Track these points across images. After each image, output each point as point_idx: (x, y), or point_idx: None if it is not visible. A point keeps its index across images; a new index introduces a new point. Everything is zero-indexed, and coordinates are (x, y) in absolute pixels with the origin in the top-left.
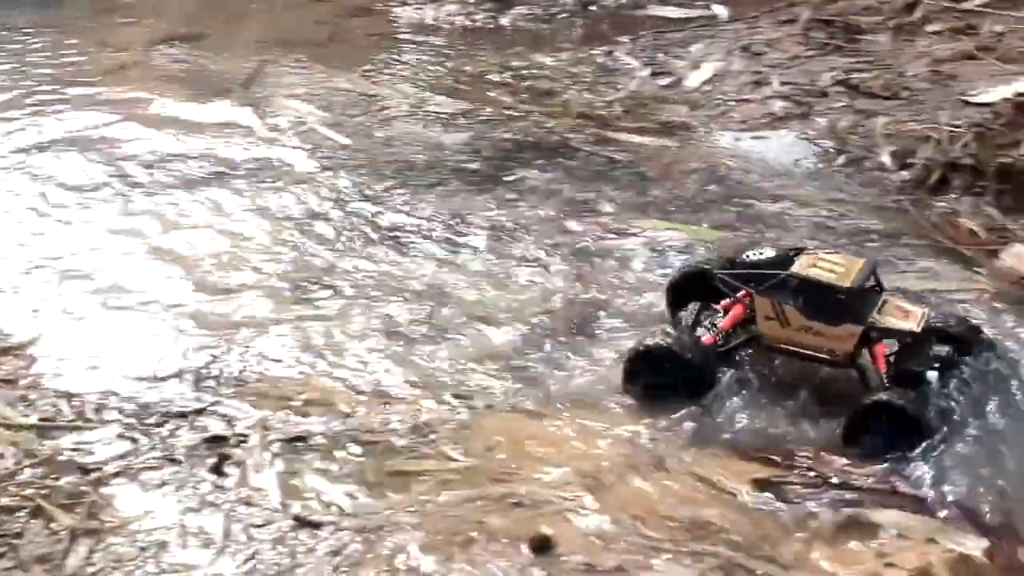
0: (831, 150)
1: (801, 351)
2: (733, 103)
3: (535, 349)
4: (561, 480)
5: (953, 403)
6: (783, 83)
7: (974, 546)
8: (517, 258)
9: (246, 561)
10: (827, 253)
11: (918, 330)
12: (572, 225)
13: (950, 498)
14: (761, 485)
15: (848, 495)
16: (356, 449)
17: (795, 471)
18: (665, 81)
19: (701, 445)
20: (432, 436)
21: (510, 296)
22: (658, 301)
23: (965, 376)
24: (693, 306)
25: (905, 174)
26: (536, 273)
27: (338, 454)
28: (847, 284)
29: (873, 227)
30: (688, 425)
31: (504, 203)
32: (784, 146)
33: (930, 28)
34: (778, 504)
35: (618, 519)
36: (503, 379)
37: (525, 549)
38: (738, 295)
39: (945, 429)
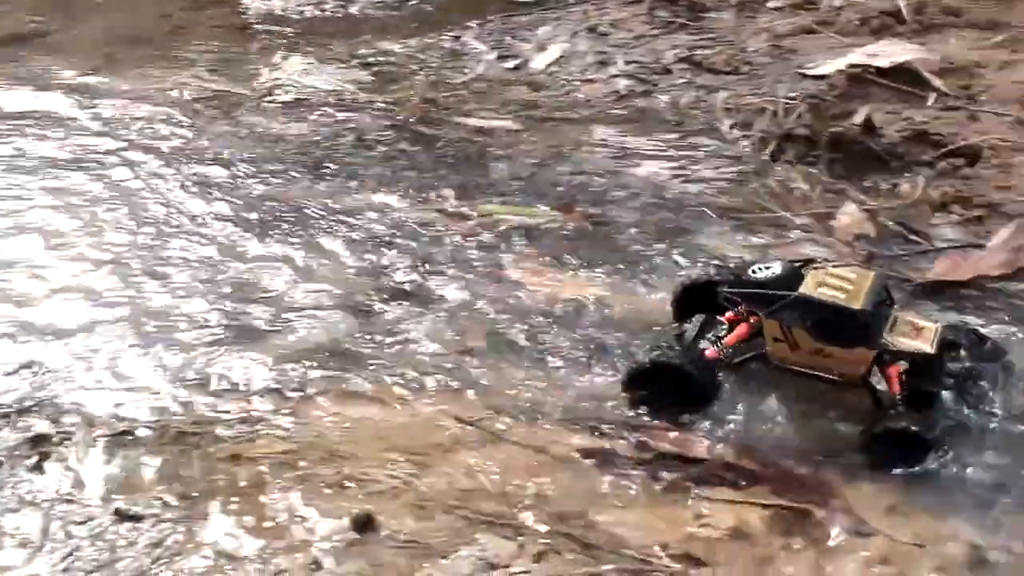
0: (675, 126)
1: (813, 373)
2: (578, 83)
3: (362, 333)
4: (388, 459)
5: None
6: (628, 62)
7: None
8: (340, 244)
9: (63, 559)
10: (836, 267)
11: (932, 351)
12: (408, 210)
13: (760, 463)
14: (588, 454)
15: (671, 463)
16: (182, 440)
17: (622, 441)
18: (511, 64)
19: (533, 417)
20: (259, 425)
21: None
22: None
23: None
24: (697, 318)
25: (744, 146)
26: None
27: (163, 446)
28: (858, 304)
29: (715, 200)
30: (525, 395)
31: (341, 191)
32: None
33: (771, 4)
34: (604, 473)
35: (445, 494)
36: (327, 366)
37: (348, 527)
38: (742, 310)
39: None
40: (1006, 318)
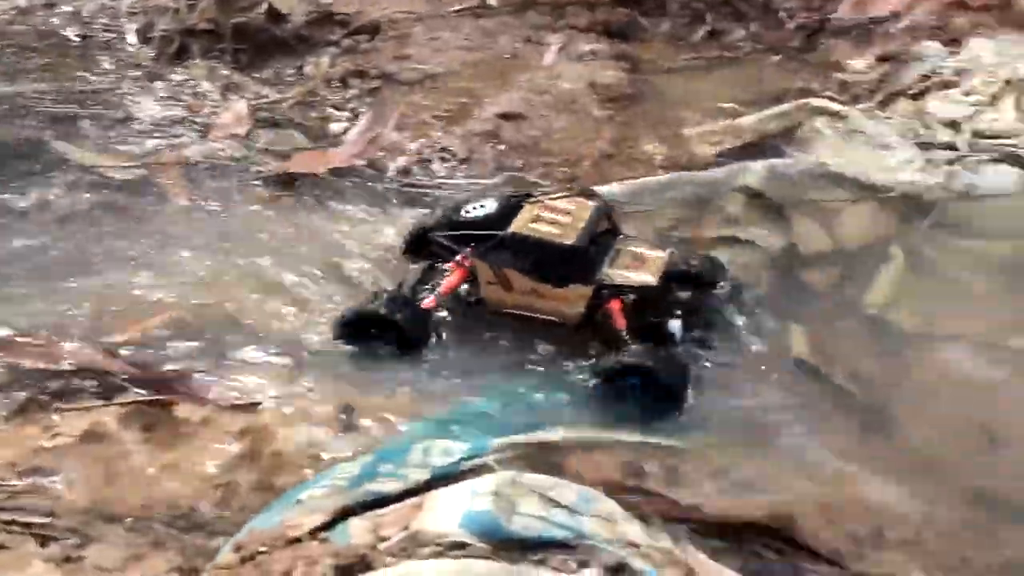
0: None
1: (530, 314)
2: None
3: None
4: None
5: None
6: None
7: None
8: None
9: None
10: (553, 199)
11: (655, 281)
12: None
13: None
14: None
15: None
16: None
17: None
18: None
19: None
20: None
21: None
22: None
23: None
24: (416, 267)
25: (148, 49)
26: None
27: None
28: (572, 239)
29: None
30: None
31: None
32: None
33: None
34: None
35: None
36: None
37: None
38: (459, 258)
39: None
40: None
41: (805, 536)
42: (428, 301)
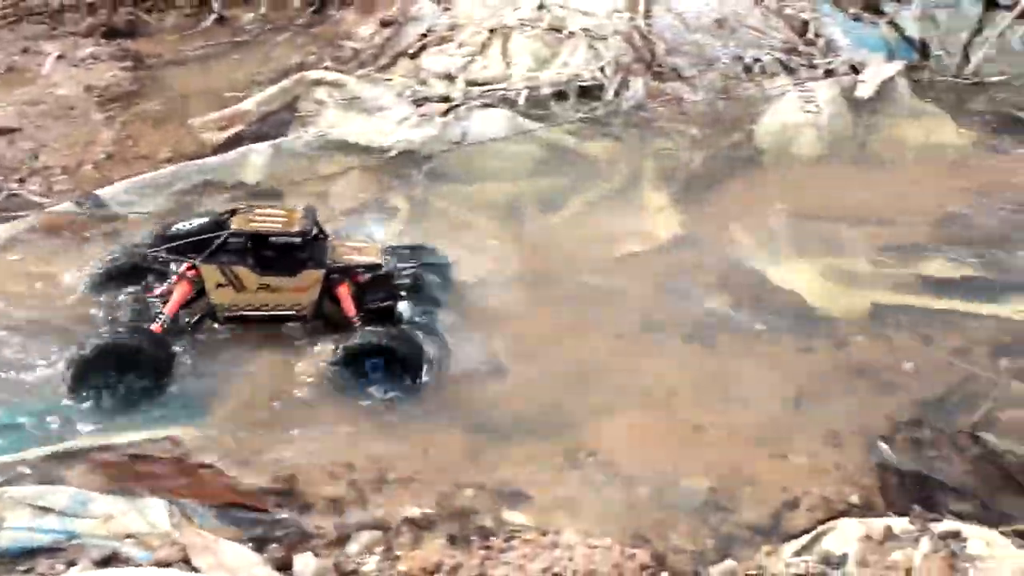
0: None
1: (264, 314)
2: None
3: None
4: None
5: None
6: None
7: None
8: None
9: None
10: (262, 208)
11: (381, 261)
12: None
13: None
14: None
15: None
16: None
17: None
18: None
19: None
20: None
21: None
22: None
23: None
24: (126, 296)
25: None
26: None
27: None
28: (296, 229)
29: None
30: None
31: None
32: None
33: None
34: None
35: None
36: None
37: None
38: (181, 271)
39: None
40: None
41: (306, 493)
42: (156, 325)
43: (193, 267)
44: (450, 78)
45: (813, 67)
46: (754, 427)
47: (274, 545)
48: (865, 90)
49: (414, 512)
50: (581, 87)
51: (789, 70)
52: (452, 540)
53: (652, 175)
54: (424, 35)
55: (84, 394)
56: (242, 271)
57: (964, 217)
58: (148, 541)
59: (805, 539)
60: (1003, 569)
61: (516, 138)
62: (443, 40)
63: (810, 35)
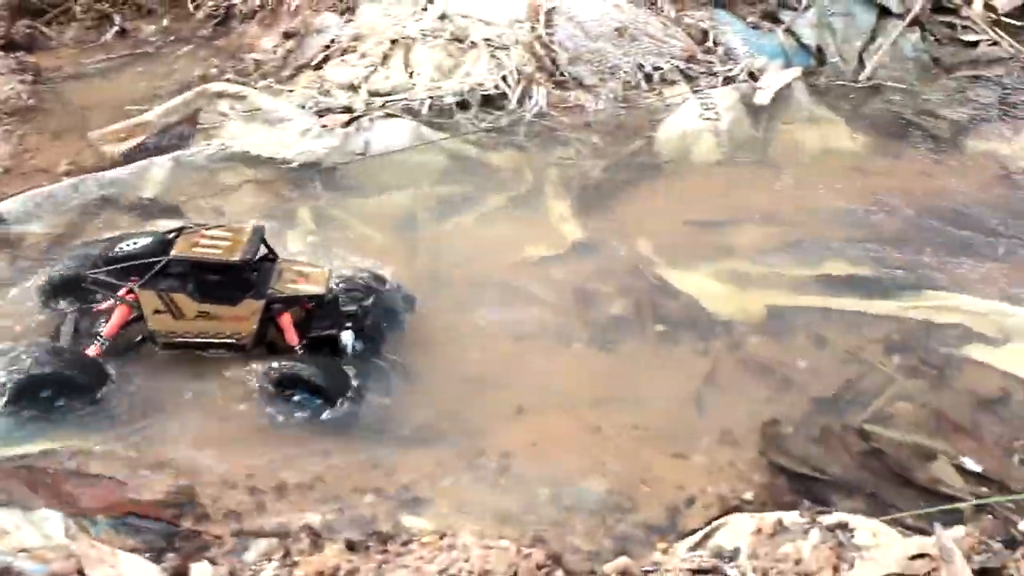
0: None
1: (202, 341)
2: None
3: None
4: None
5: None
6: None
7: None
8: None
9: None
10: (209, 229)
11: (323, 291)
12: None
13: None
14: None
15: None
16: None
17: None
18: None
19: None
20: None
21: None
22: None
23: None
24: (70, 315)
25: None
26: None
27: None
28: (237, 256)
29: None
30: None
31: None
32: None
33: None
34: None
35: None
36: None
37: None
38: (120, 294)
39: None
40: None
41: (205, 502)
42: (94, 348)
43: (131, 291)
44: (353, 89)
45: (713, 75)
46: (653, 428)
47: (171, 554)
48: (763, 96)
49: (313, 519)
50: (483, 96)
51: (689, 78)
52: (350, 546)
53: (554, 183)
54: (327, 46)
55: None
56: (180, 298)
57: (858, 218)
58: (42, 554)
59: (699, 535)
60: (887, 557)
61: (419, 148)
62: (346, 51)
63: (709, 43)
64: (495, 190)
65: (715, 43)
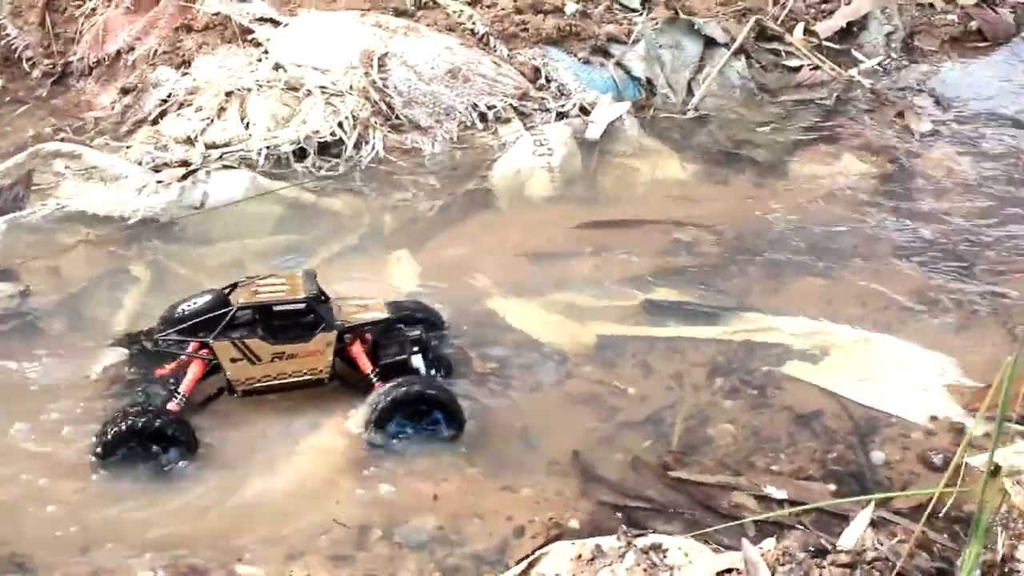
0: None
1: (282, 382)
2: None
3: None
4: None
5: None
6: None
7: None
8: None
9: None
10: (264, 278)
11: (387, 315)
12: None
13: None
14: None
15: None
16: None
17: None
18: None
19: None
20: None
21: None
22: None
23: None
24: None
25: None
26: None
27: None
28: (301, 295)
29: None
30: None
31: None
32: None
33: None
34: None
35: None
36: None
37: None
38: (190, 350)
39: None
40: None
41: None
42: (173, 404)
43: (204, 345)
44: (189, 142)
45: (546, 111)
46: (483, 462)
47: None
48: (594, 131)
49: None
50: (320, 144)
51: (523, 115)
52: None
53: (391, 226)
54: (164, 100)
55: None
56: (255, 343)
57: (685, 245)
58: None
59: (523, 564)
60: (697, 573)
61: (257, 198)
62: (183, 104)
63: (542, 80)
64: (333, 236)
65: (547, 79)
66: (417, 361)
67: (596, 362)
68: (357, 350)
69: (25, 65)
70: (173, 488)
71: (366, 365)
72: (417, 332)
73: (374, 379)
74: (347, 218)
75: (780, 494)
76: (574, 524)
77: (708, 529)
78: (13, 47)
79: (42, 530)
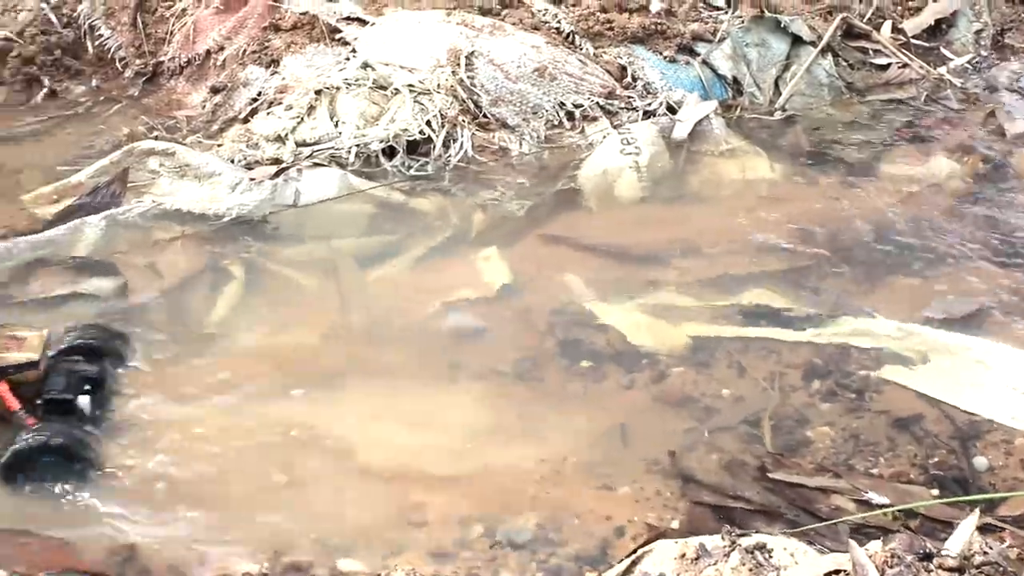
0: None
1: None
2: None
3: None
4: None
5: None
6: None
7: None
8: None
9: None
10: None
11: (37, 357)
12: None
13: None
14: None
15: None
16: None
17: None
18: None
19: None
20: None
21: None
22: None
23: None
24: None
25: None
26: None
27: None
28: None
29: None
30: None
31: None
32: None
33: None
34: None
35: None
36: None
37: None
38: None
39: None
40: None
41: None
42: None
43: None
44: (280, 140)
45: (633, 109)
46: (580, 462)
47: None
48: (682, 130)
49: (251, 568)
50: (409, 142)
51: (610, 113)
52: None
53: (480, 226)
54: (254, 99)
55: None
56: None
57: (776, 247)
58: None
59: (625, 563)
60: (805, 574)
61: (347, 197)
62: (272, 103)
63: (628, 79)
64: (422, 235)
65: (633, 78)
66: (83, 402)
67: (689, 363)
68: (3, 390)
69: (118, 65)
70: None
71: (12, 404)
72: (95, 368)
73: (24, 420)
74: (436, 217)
75: (881, 499)
76: (674, 524)
77: (806, 527)
78: (106, 47)
79: None
